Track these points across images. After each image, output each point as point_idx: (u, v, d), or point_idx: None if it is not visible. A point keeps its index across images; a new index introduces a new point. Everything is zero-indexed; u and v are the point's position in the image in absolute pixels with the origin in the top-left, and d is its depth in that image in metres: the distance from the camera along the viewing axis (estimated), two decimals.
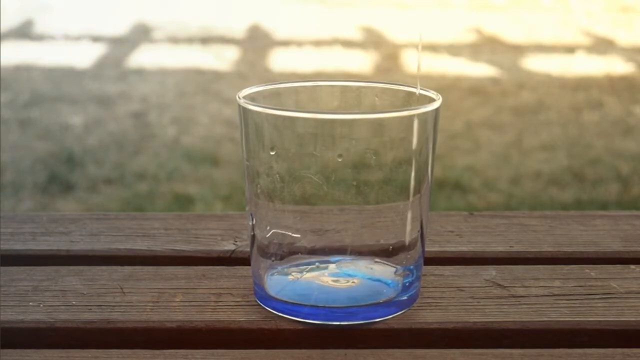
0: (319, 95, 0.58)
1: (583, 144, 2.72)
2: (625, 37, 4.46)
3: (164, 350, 0.50)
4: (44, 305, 0.54)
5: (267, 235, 0.53)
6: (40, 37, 4.31)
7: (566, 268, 0.60)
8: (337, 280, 0.52)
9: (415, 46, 4.09)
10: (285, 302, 0.53)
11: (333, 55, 3.95)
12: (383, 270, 0.53)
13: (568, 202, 2.24)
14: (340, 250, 0.52)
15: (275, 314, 0.53)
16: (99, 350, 0.50)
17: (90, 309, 0.54)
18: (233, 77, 3.58)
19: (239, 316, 0.53)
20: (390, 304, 0.53)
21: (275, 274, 0.53)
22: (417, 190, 0.53)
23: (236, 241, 0.64)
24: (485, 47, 4.20)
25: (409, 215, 0.53)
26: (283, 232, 0.53)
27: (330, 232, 0.52)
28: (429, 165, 0.53)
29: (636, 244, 0.65)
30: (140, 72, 3.62)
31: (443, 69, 3.70)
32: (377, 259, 0.53)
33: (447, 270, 0.59)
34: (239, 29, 4.53)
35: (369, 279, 0.53)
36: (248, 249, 0.56)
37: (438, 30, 4.54)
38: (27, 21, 4.67)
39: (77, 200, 2.24)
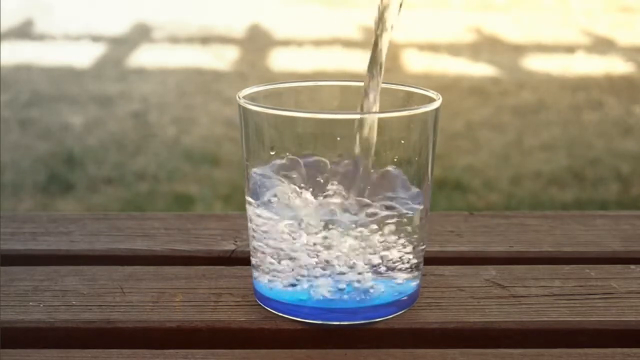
0: (319, 95, 0.58)
1: (583, 144, 2.72)
2: (625, 37, 4.45)
3: (164, 350, 0.50)
4: (44, 305, 0.55)
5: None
6: (40, 37, 4.30)
7: (566, 268, 0.60)
8: (335, 282, 0.52)
9: (416, 46, 4.10)
10: (285, 302, 0.53)
11: (333, 55, 3.95)
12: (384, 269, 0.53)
13: (568, 202, 2.24)
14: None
15: (275, 314, 0.53)
16: (99, 350, 0.50)
17: (90, 309, 0.54)
18: (233, 77, 3.58)
19: (239, 316, 0.53)
20: (390, 304, 0.53)
21: (274, 274, 0.53)
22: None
23: (236, 241, 0.64)
24: (485, 47, 4.20)
25: None
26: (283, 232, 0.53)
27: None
28: (429, 165, 0.53)
29: (636, 244, 0.65)
30: (140, 72, 3.62)
31: (443, 69, 3.70)
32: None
33: (447, 270, 0.60)
34: (239, 29, 4.52)
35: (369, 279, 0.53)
36: (248, 249, 0.56)
37: (438, 30, 4.53)
38: (27, 21, 4.66)
39: (77, 200, 2.24)
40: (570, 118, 3.01)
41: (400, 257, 0.53)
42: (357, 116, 0.53)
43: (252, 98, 0.54)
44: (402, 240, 0.52)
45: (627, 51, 4.12)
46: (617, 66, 3.82)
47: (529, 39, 4.40)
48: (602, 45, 4.27)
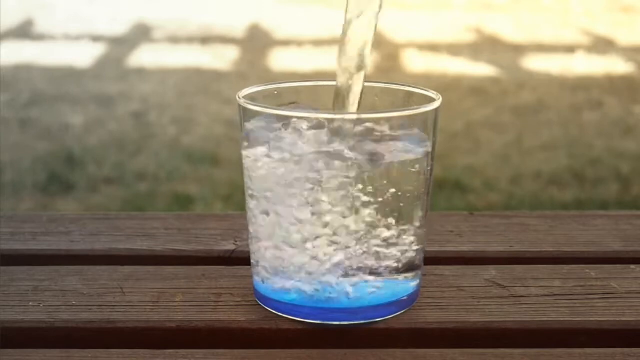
0: (319, 95, 0.58)
1: (583, 144, 2.72)
2: (625, 37, 4.45)
3: (164, 350, 0.50)
4: (44, 305, 0.55)
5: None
6: (40, 37, 4.30)
7: (566, 268, 0.60)
8: (335, 282, 0.52)
9: (416, 46, 4.10)
10: (285, 302, 0.53)
11: (333, 55, 3.95)
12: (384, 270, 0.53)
13: (568, 202, 2.24)
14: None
15: (275, 314, 0.53)
16: (99, 350, 0.50)
17: (90, 309, 0.54)
18: (233, 77, 3.58)
19: (239, 316, 0.53)
20: (390, 304, 0.53)
21: (273, 274, 0.53)
22: None
23: (236, 241, 0.64)
24: (485, 47, 4.20)
25: None
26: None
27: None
28: (429, 165, 0.53)
29: (636, 244, 0.65)
30: (140, 72, 3.62)
31: (443, 69, 3.69)
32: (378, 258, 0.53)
33: (447, 270, 0.60)
34: (239, 29, 4.52)
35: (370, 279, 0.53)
36: (248, 249, 0.56)
37: (438, 30, 4.53)
38: (27, 21, 4.66)
39: (77, 200, 2.24)
40: (570, 118, 3.01)
41: (400, 257, 0.53)
42: (357, 116, 0.53)
43: (252, 98, 0.54)
44: (401, 239, 0.52)
45: (627, 51, 4.12)
46: (617, 66, 3.82)
47: (529, 39, 4.40)
48: (602, 45, 4.27)
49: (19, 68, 3.63)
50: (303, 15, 4.92)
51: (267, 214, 0.52)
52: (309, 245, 0.51)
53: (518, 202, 2.23)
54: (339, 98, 0.54)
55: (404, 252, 0.53)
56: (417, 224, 0.53)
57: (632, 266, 0.61)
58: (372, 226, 0.51)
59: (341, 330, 0.52)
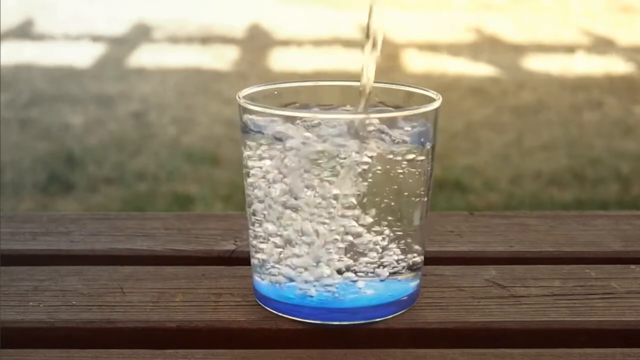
0: (319, 95, 0.58)
1: (583, 144, 2.72)
2: (625, 37, 4.45)
3: (164, 350, 0.50)
4: (44, 305, 0.55)
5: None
6: (40, 37, 4.30)
7: (566, 268, 0.60)
8: (334, 281, 0.52)
9: (416, 46, 4.10)
10: (285, 302, 0.53)
11: (333, 55, 3.95)
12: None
13: (568, 202, 2.24)
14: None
15: (275, 314, 0.53)
16: (99, 350, 0.50)
17: (90, 309, 0.54)
18: (233, 77, 3.58)
19: (239, 316, 0.54)
20: (390, 304, 0.53)
21: (273, 274, 0.53)
22: None
23: (236, 241, 0.64)
24: (485, 47, 4.20)
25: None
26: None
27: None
28: (429, 165, 0.53)
29: (636, 244, 0.65)
30: (140, 72, 3.62)
31: (443, 69, 3.69)
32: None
33: (447, 270, 0.60)
34: (239, 29, 4.52)
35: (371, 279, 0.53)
36: (248, 249, 0.56)
37: (438, 30, 4.53)
38: (27, 21, 4.66)
39: (77, 200, 2.24)
40: (570, 118, 3.01)
41: (400, 257, 0.53)
42: (357, 117, 0.53)
43: (252, 98, 0.54)
44: (401, 239, 0.52)
45: (627, 51, 4.12)
46: (617, 66, 3.82)
47: (529, 39, 4.40)
48: (602, 45, 4.27)
49: (19, 68, 3.63)
50: (303, 15, 4.92)
51: (267, 213, 0.52)
52: (308, 245, 0.51)
53: (518, 202, 2.23)
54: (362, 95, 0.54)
55: (404, 252, 0.53)
56: (417, 223, 0.53)
57: (632, 266, 0.61)
58: (372, 226, 0.51)
59: (341, 330, 0.52)
